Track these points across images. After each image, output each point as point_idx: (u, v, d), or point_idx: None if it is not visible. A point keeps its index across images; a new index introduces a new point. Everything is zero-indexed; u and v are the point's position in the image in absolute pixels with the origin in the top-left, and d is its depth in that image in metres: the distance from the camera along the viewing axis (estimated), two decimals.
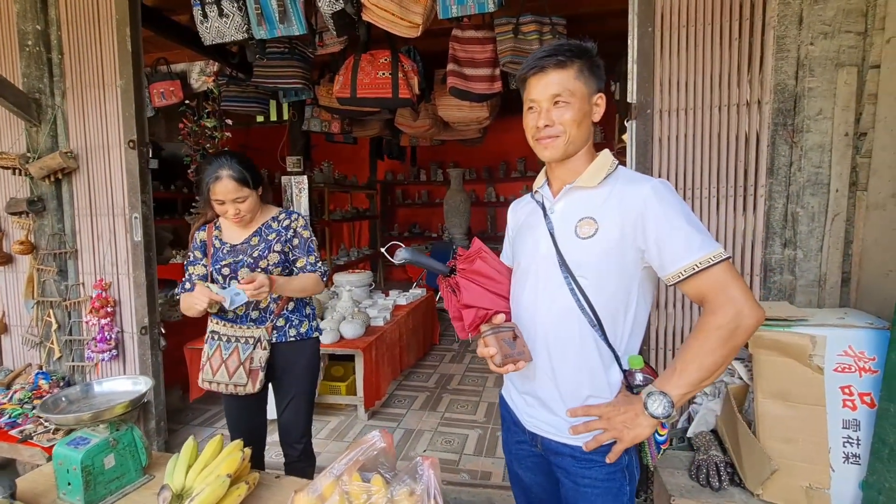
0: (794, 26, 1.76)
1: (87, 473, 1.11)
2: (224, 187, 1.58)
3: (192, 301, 1.50)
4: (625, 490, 1.03)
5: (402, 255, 1.09)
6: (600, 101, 1.04)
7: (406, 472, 1.01)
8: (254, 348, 1.61)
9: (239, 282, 1.54)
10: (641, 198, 0.96)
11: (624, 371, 1.04)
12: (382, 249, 1.18)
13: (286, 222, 1.74)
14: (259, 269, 1.66)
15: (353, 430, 2.97)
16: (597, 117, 1.05)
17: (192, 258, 1.75)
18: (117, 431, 1.20)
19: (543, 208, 1.11)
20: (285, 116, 4.82)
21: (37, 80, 2.43)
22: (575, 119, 1.00)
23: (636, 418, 0.96)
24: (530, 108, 1.05)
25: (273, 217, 1.75)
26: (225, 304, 1.46)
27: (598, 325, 1.00)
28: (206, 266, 1.73)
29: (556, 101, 1.00)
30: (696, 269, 0.92)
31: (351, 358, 3.22)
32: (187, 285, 1.72)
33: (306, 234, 1.74)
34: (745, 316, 0.90)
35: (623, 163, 2.08)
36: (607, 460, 1.01)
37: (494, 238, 6.87)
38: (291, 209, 1.82)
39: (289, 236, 1.72)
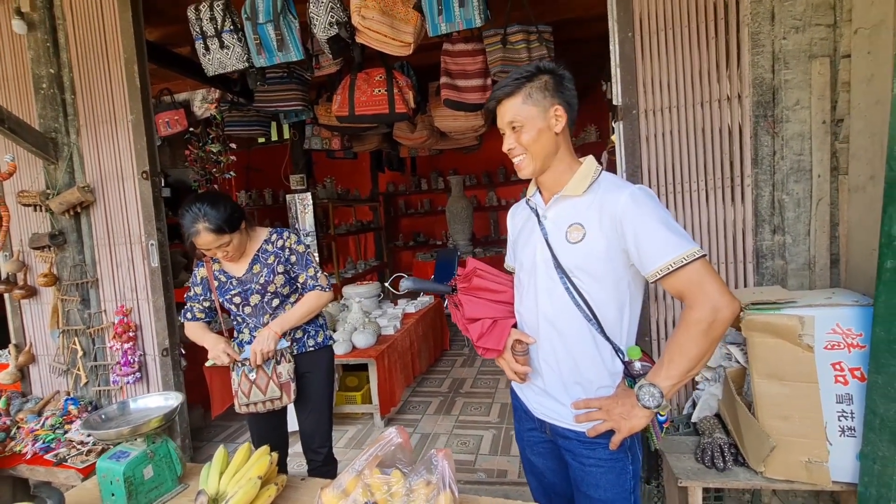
0: (767, 22, 1.84)
1: (128, 484, 1.20)
2: (204, 240, 1.59)
3: (217, 355, 1.67)
4: (628, 469, 1.11)
5: (405, 284, 1.22)
6: (557, 112, 1.10)
7: (422, 464, 1.09)
8: (277, 363, 1.68)
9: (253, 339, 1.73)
10: (620, 204, 1.04)
11: (624, 362, 1.12)
12: (387, 284, 1.32)
13: (279, 242, 1.77)
14: (269, 294, 1.73)
15: (371, 438, 3.04)
16: (558, 129, 1.11)
17: (192, 294, 1.80)
18: (154, 444, 1.29)
19: (537, 215, 1.20)
20: (286, 136, 4.95)
21: (52, 121, 2.57)
22: (531, 138, 1.10)
23: (632, 410, 1.04)
24: (503, 134, 1.16)
25: (265, 240, 1.78)
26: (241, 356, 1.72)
27: (595, 320, 1.09)
28: (209, 301, 1.78)
29: (512, 126, 1.12)
30: (672, 268, 0.99)
31: (365, 367, 3.31)
32: (188, 315, 1.80)
33: (301, 248, 1.78)
34: (720, 309, 0.97)
35: (613, 161, 2.16)
36: (610, 447, 1.09)
37: (498, 242, 6.95)
38: (280, 228, 1.84)
39: (286, 256, 1.76)
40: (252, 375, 1.65)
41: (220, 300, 1.76)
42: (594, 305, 1.08)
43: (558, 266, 1.10)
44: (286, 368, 1.68)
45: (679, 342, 1.01)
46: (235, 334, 1.84)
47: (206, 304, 1.79)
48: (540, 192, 1.23)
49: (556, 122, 1.11)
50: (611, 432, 1.08)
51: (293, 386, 1.69)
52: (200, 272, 1.79)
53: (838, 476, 1.43)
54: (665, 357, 1.02)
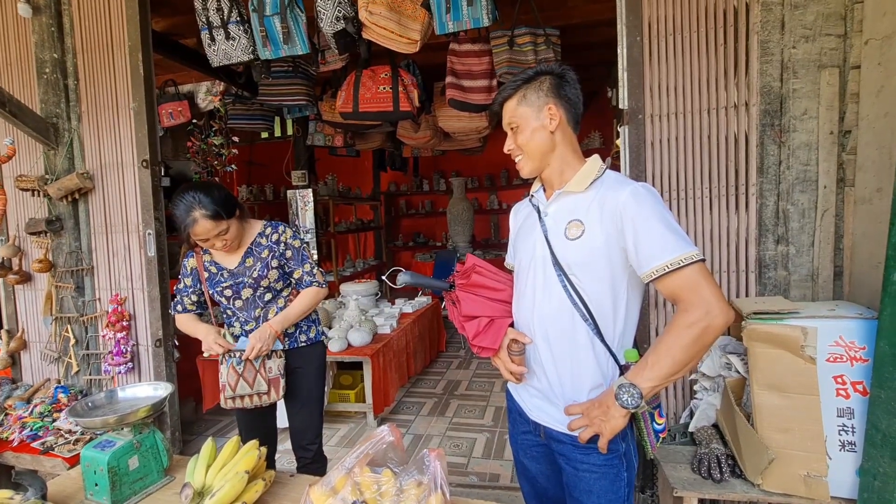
0: (777, 31, 1.83)
1: (113, 474, 1.18)
2: (202, 228, 1.54)
3: (209, 346, 1.64)
4: (622, 476, 1.08)
5: (402, 278, 1.22)
6: (549, 110, 1.11)
7: (414, 464, 1.07)
8: (268, 357, 1.65)
9: (245, 333, 1.72)
10: (621, 201, 1.02)
11: (621, 365, 1.09)
12: (384, 277, 1.31)
13: (274, 236, 1.73)
14: (261, 289, 1.69)
15: (363, 437, 3.01)
16: (552, 127, 1.11)
17: (182, 286, 1.76)
18: (140, 434, 1.27)
19: (538, 211, 1.18)
20: (289, 132, 4.95)
21: (54, 106, 2.55)
22: (526, 138, 1.13)
23: (608, 410, 1.01)
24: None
25: (259, 233, 1.73)
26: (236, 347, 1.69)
27: (592, 320, 1.06)
28: (199, 293, 1.74)
29: (510, 127, 1.16)
30: (668, 269, 0.97)
31: (359, 366, 3.28)
32: (178, 307, 1.76)
33: (297, 243, 1.74)
34: (714, 315, 0.94)
35: (617, 167, 2.14)
36: (600, 450, 1.06)
37: (498, 245, 6.93)
38: (276, 221, 1.80)
39: (281, 250, 1.72)
40: (240, 368, 1.62)
41: (210, 292, 1.71)
42: (591, 304, 1.06)
43: (556, 263, 1.09)
44: (276, 364, 1.65)
45: (667, 344, 0.98)
46: (226, 327, 1.81)
47: (196, 296, 1.76)
48: (544, 189, 1.21)
49: (551, 121, 1.11)
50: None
51: (282, 382, 1.65)
52: (190, 263, 1.74)
53: (837, 491, 1.41)
54: (650, 357, 0.99)
